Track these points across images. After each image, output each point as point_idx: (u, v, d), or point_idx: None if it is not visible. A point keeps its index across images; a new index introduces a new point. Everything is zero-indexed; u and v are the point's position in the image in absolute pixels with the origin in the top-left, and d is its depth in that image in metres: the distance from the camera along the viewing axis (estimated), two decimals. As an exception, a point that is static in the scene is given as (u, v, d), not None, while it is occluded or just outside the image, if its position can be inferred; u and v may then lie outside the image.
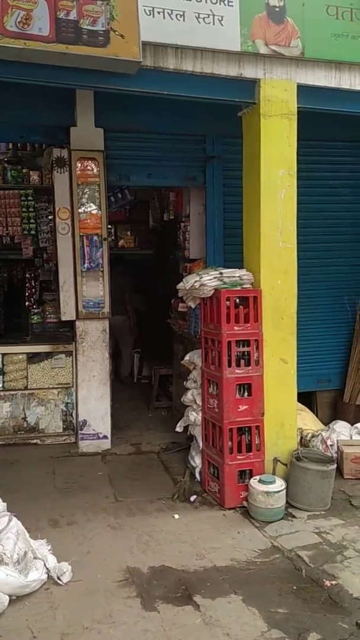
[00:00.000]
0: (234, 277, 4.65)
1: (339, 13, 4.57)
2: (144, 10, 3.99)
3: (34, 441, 5.83)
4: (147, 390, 7.41)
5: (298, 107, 4.58)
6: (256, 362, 4.60)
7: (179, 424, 5.29)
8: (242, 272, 4.70)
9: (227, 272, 4.66)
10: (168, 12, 4.09)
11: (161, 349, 7.42)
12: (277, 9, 4.39)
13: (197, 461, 5.02)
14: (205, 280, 4.59)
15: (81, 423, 5.70)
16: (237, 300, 4.56)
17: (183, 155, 5.83)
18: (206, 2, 4.17)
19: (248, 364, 4.58)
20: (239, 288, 4.62)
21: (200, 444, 4.96)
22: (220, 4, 4.21)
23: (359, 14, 4.61)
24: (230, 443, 4.52)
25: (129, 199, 8.13)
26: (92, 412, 5.70)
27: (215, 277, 4.62)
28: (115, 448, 5.74)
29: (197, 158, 5.89)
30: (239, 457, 4.54)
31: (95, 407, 5.70)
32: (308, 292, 5.75)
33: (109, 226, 7.56)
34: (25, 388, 5.85)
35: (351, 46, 4.60)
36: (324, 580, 3.50)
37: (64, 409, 5.94)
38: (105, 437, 5.74)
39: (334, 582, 3.47)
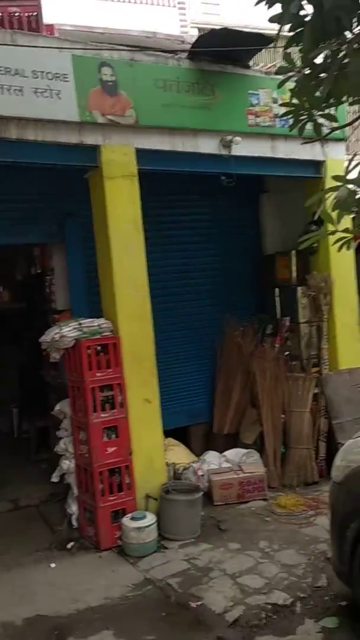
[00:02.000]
0: (93, 326, 4.93)
1: (167, 86, 5.16)
2: (-17, 86, 4.28)
3: None
4: (28, 445, 7.39)
5: (138, 169, 5.04)
6: (120, 404, 4.87)
7: (54, 474, 5.39)
8: (101, 321, 5.00)
9: (86, 322, 4.94)
10: (7, 88, 4.41)
11: (40, 401, 7.46)
12: (111, 83, 4.88)
13: (73, 508, 5.14)
14: (65, 332, 4.83)
15: None
16: (98, 347, 4.84)
17: (42, 214, 6.06)
18: (42, 78, 4.55)
19: (113, 407, 4.84)
20: (98, 336, 4.90)
21: (76, 491, 5.10)
22: (55, 80, 4.60)
23: (184, 86, 5.23)
24: (101, 485, 4.71)
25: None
26: (-33, 472, 5.64)
27: (74, 328, 4.88)
28: (-8, 506, 5.70)
29: (56, 215, 6.15)
30: (110, 498, 4.74)
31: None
32: (170, 333, 6.17)
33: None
34: None
35: (180, 114, 5.19)
36: (190, 602, 3.76)
37: None
38: (-19, 496, 5.68)
39: (199, 603, 3.74)
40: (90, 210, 5.50)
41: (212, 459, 5.96)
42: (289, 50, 2.83)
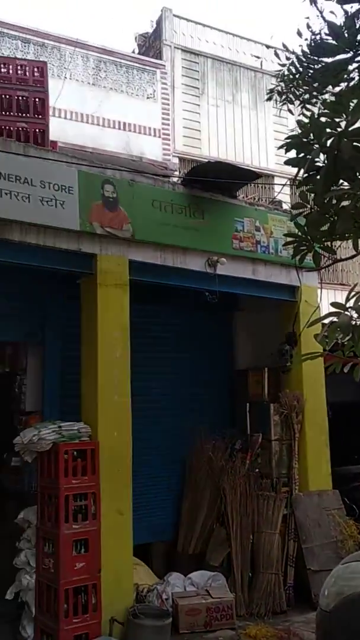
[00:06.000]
0: (72, 430, 4.83)
1: (162, 206, 5.52)
2: (-7, 190, 4.47)
3: None
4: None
5: (130, 279, 5.24)
6: (93, 515, 4.66)
7: (9, 591, 4.96)
8: (80, 425, 4.91)
9: (65, 425, 4.83)
10: (15, 194, 4.62)
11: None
12: (111, 200, 5.18)
13: (29, 631, 4.70)
14: (44, 434, 4.70)
15: None
16: (75, 453, 4.70)
17: (24, 314, 6.09)
18: (49, 188, 4.81)
19: (85, 518, 4.62)
20: (77, 441, 4.78)
21: (34, 611, 4.69)
22: (61, 191, 4.87)
23: (177, 208, 5.61)
24: (66, 605, 4.37)
25: None
26: None
27: (53, 431, 4.75)
28: None
29: (37, 316, 6.19)
30: (75, 620, 4.39)
31: None
32: (141, 444, 6.05)
33: None
34: None
35: (173, 232, 5.53)
36: None
37: None
38: None
39: None
40: (71, 313, 5.59)
41: (177, 581, 5.66)
42: (303, 188, 3.14)
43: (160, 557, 6.49)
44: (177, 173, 8.17)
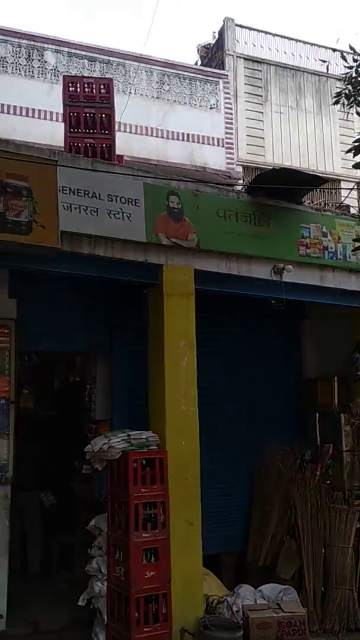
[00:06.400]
0: (141, 438, 4.88)
1: (227, 215, 5.51)
2: (63, 205, 4.63)
3: None
4: (47, 560, 6.99)
5: (196, 288, 5.26)
6: (162, 524, 4.67)
7: (82, 597, 5.06)
8: (149, 433, 4.96)
9: (134, 434, 4.89)
10: (84, 208, 4.76)
11: (62, 515, 7.17)
12: (176, 210, 5.23)
13: (101, 638, 4.76)
14: (113, 443, 4.78)
15: (-27, 601, 5.26)
16: (144, 461, 4.74)
17: (93, 323, 6.24)
18: (116, 201, 4.92)
19: (155, 527, 4.64)
20: (145, 450, 4.83)
21: (105, 618, 4.75)
22: (128, 203, 4.97)
23: (242, 216, 5.59)
24: (137, 614, 4.40)
25: (35, 361, 8.32)
26: (-13, 588, 5.30)
27: (123, 439, 4.82)
28: (11, 629, 5.27)
29: (106, 326, 6.33)
30: (146, 629, 4.41)
31: (-9, 582, 5.32)
32: (208, 453, 6.02)
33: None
34: None
35: (237, 241, 5.50)
36: None
37: None
38: (0, 616, 5.29)
39: None
40: (139, 323, 5.67)
41: (247, 594, 5.56)
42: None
43: (229, 568, 6.42)
44: (241, 182, 8.16)
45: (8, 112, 8.82)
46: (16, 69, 8.99)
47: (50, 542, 7.11)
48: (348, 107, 3.84)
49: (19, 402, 9.12)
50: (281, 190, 5.72)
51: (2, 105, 8.80)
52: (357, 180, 8.83)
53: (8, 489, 5.54)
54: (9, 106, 8.84)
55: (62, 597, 6.04)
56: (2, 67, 8.97)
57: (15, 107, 8.89)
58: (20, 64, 8.99)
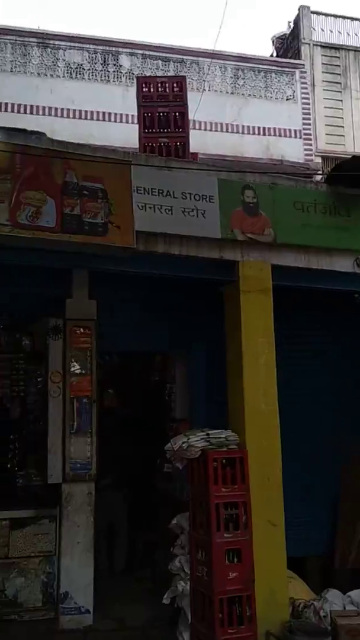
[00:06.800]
0: (220, 437, 4.81)
1: (304, 207, 5.32)
2: (138, 205, 4.65)
3: (12, 617, 5.46)
4: (131, 557, 7.09)
5: (273, 284, 5.12)
6: (245, 525, 4.59)
7: (166, 595, 5.06)
8: (228, 432, 4.88)
9: (213, 433, 4.83)
10: (158, 207, 4.76)
11: (145, 512, 7.24)
12: (252, 205, 5.12)
13: (186, 637, 4.75)
14: (192, 442, 4.74)
15: (62, 595, 5.42)
16: (224, 461, 4.68)
17: (171, 323, 6.26)
18: (190, 199, 4.87)
19: (237, 527, 4.57)
20: (225, 449, 4.76)
21: (189, 617, 4.73)
22: (202, 200, 4.91)
23: (320, 208, 5.37)
24: (221, 615, 4.34)
25: (116, 361, 8.47)
26: (75, 583, 5.45)
27: (202, 438, 4.78)
28: (97, 623, 5.40)
29: (184, 325, 6.33)
30: (230, 631, 4.34)
31: (78, 577, 5.46)
32: (291, 453, 5.86)
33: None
34: (6, 557, 5.61)
35: (316, 234, 5.30)
36: None
37: (45, 579, 5.64)
38: (87, 611, 5.43)
39: None
40: (214, 321, 5.59)
41: (335, 599, 5.35)
42: None
43: (315, 571, 6.23)
44: (320, 172, 7.90)
45: (85, 118, 9.06)
46: (92, 75, 9.20)
47: (134, 539, 7.22)
48: None
49: (103, 401, 9.36)
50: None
51: (80, 111, 9.05)
52: None
53: (92, 486, 5.68)
54: (86, 112, 9.08)
55: (146, 594, 6.10)
56: (80, 74, 9.22)
57: (92, 112, 9.11)
58: (97, 70, 9.19)
